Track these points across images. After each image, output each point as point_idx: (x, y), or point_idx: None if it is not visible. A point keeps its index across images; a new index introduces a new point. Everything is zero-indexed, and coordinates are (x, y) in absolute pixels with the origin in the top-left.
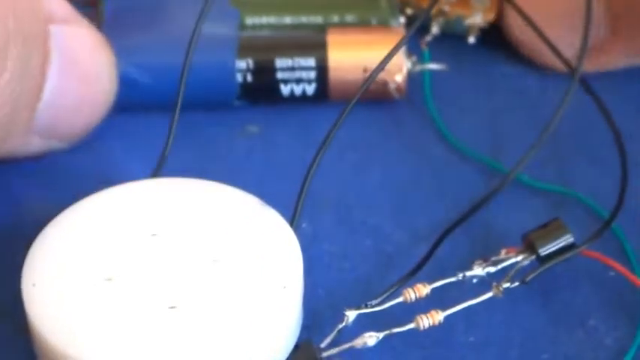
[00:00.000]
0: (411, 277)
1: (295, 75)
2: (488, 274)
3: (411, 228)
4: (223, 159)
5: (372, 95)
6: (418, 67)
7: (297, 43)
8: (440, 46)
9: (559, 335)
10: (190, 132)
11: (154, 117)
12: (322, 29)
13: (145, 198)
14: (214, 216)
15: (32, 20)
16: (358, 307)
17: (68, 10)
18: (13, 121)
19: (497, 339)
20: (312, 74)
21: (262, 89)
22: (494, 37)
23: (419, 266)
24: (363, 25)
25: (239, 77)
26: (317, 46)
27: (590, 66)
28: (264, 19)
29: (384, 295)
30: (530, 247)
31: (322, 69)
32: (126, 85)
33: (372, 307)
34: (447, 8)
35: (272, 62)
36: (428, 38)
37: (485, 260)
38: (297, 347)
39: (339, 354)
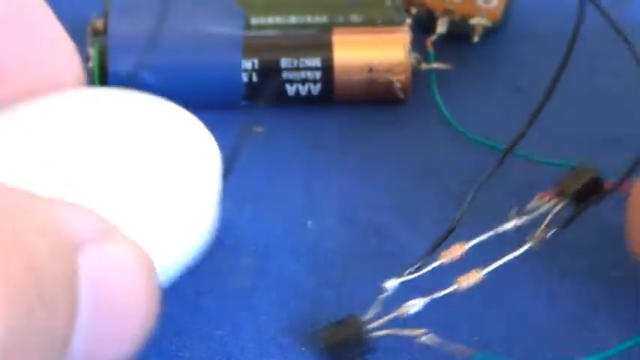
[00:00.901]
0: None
1: (301, 75)
2: (522, 226)
3: (416, 227)
4: (228, 159)
5: (376, 95)
6: (423, 67)
7: (303, 43)
8: (445, 45)
9: (563, 335)
10: None
11: None
12: (328, 29)
13: (71, 107)
14: (134, 122)
15: (57, 274)
16: (398, 276)
17: (101, 224)
18: None
19: (501, 338)
20: (318, 74)
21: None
22: (499, 36)
23: (450, 230)
24: (368, 25)
25: (244, 77)
26: (322, 46)
27: None
28: (270, 19)
29: (421, 262)
30: (563, 191)
31: (328, 69)
32: (132, 86)
33: (411, 274)
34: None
35: (277, 62)
36: (433, 38)
37: (519, 210)
38: (341, 323)
39: (385, 324)
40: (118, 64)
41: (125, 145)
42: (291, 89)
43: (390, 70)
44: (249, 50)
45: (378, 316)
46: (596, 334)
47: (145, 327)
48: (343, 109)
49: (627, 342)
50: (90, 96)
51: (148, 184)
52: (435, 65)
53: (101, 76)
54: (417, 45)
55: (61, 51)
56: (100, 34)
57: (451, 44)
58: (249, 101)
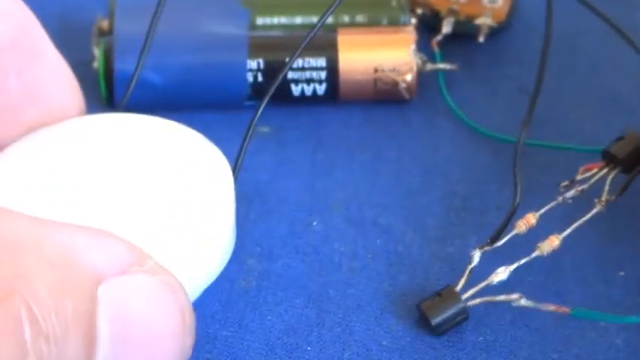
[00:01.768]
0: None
1: (306, 75)
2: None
3: (422, 228)
4: (234, 159)
5: (381, 95)
6: (428, 67)
7: (308, 43)
8: (450, 46)
9: (569, 335)
10: (201, 132)
11: (164, 117)
12: (333, 29)
13: (92, 133)
14: (153, 148)
15: (67, 309)
16: (481, 247)
17: (127, 251)
18: None
19: (507, 339)
20: (323, 74)
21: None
22: (505, 36)
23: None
24: (373, 25)
25: (250, 77)
26: (328, 47)
27: None
28: (275, 20)
29: (499, 231)
30: (611, 160)
31: (333, 69)
32: (137, 86)
33: (493, 242)
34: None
35: (283, 62)
36: (439, 38)
37: (570, 182)
38: (439, 294)
39: (478, 293)
40: (123, 64)
41: (142, 171)
42: (296, 89)
43: (395, 70)
44: (254, 50)
45: (467, 286)
46: (604, 335)
47: (177, 357)
48: (348, 109)
49: None
50: (102, 122)
51: (171, 209)
52: (441, 65)
53: (106, 76)
54: (423, 45)
55: (63, 81)
56: (106, 34)
57: (456, 44)
58: (254, 101)
